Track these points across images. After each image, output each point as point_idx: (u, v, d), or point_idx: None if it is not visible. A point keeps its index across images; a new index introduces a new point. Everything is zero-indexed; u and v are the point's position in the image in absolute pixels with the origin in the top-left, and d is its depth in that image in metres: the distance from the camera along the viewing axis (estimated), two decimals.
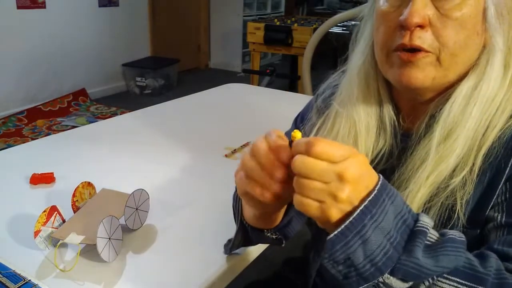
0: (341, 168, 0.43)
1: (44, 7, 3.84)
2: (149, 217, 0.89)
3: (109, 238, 0.76)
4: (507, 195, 0.55)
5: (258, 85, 3.99)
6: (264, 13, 6.19)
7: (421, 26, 0.55)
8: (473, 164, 0.56)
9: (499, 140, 0.56)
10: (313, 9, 7.00)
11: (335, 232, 0.45)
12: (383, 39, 0.60)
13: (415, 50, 0.56)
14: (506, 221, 0.54)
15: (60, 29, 4.00)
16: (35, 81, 3.88)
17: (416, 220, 0.47)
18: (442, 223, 0.58)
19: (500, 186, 0.55)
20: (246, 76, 5.14)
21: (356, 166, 0.44)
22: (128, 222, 0.84)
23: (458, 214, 0.56)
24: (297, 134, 0.48)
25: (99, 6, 4.34)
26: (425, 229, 0.47)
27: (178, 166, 1.19)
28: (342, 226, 0.44)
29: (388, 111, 0.66)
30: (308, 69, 3.54)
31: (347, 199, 0.44)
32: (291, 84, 4.78)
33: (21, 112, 3.72)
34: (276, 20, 4.43)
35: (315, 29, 3.62)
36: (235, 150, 1.29)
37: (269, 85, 3.97)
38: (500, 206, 0.55)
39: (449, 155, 0.56)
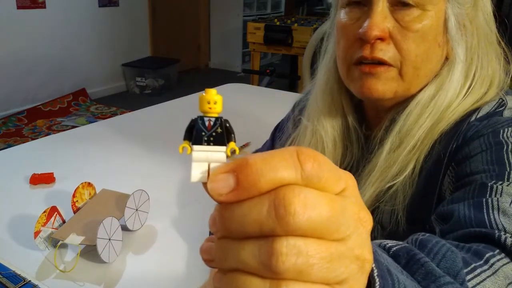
0: None
1: (44, 7, 3.84)
2: (149, 218, 0.89)
3: (109, 239, 0.76)
4: (452, 186, 0.52)
5: (258, 85, 3.98)
6: (264, 13, 6.19)
7: (381, 39, 0.54)
8: (414, 167, 0.56)
9: (440, 143, 0.55)
10: (313, 9, 7.00)
11: None
12: (344, 52, 0.59)
13: (376, 63, 0.55)
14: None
15: (60, 29, 4.00)
16: (35, 81, 3.87)
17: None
18: (388, 225, 0.58)
19: (440, 179, 0.53)
20: (246, 76, 5.13)
21: None
22: (128, 223, 0.84)
23: (399, 216, 0.56)
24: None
25: (99, 6, 4.34)
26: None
27: (178, 166, 1.19)
28: None
29: (353, 123, 0.66)
30: (308, 69, 3.54)
31: None
32: (291, 84, 4.78)
33: (21, 112, 3.72)
34: (276, 20, 4.42)
35: (315, 29, 3.62)
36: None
37: (269, 85, 3.96)
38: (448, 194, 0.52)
39: (395, 163, 0.56)
